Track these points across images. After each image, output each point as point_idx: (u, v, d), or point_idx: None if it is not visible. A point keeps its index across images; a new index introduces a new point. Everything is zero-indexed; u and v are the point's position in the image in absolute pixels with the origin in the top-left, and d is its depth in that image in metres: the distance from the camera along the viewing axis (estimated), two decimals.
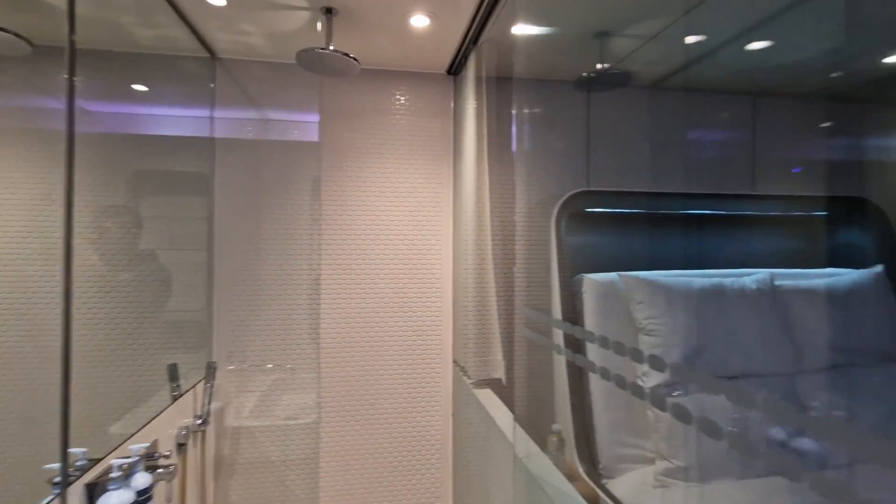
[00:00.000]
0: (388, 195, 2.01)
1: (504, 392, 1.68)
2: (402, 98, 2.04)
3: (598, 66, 1.74)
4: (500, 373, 1.71)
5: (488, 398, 1.62)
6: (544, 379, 1.90)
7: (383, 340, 1.98)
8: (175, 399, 1.57)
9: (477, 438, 1.64)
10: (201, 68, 1.84)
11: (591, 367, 1.63)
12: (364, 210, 1.99)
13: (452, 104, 2.07)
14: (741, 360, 1.57)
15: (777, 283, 1.72)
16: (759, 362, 1.58)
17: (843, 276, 1.80)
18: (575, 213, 1.87)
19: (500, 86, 1.93)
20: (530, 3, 1.52)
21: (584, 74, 1.79)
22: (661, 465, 1.48)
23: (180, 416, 1.59)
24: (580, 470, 1.50)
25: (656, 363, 1.12)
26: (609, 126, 2.08)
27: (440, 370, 2.01)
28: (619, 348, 1.47)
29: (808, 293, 1.71)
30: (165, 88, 1.70)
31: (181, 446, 1.52)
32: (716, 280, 1.67)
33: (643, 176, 2.07)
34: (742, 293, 1.64)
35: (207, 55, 1.85)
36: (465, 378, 1.79)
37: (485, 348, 1.70)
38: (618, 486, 1.49)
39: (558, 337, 1.72)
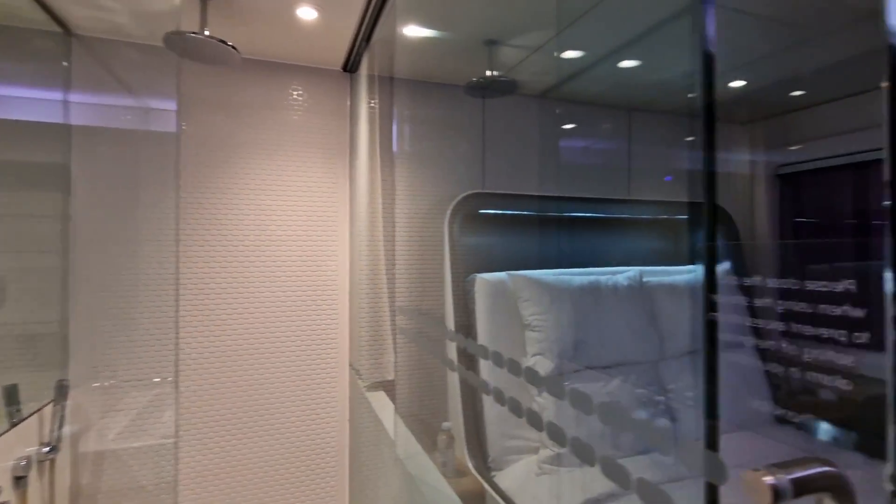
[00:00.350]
0: (281, 194, 1.91)
1: (395, 393, 1.67)
2: (298, 93, 1.96)
3: (488, 72, 1.81)
4: (392, 374, 1.70)
5: (380, 400, 1.60)
6: (436, 377, 1.93)
7: (275, 346, 1.88)
8: (13, 426, 1.35)
9: (370, 442, 1.62)
10: (52, 45, 1.61)
11: (486, 387, 1.68)
12: (253, 209, 1.87)
13: (349, 102, 2.03)
14: (615, 350, 1.71)
15: (645, 279, 1.90)
16: (629, 352, 1.73)
17: (699, 272, 2.04)
18: (469, 214, 1.92)
19: (393, 86, 1.93)
20: (418, 6, 1.53)
21: (474, 79, 1.85)
22: (543, 453, 1.56)
23: (21, 444, 1.38)
24: (470, 465, 1.54)
25: (495, 358, 1.18)
26: (502, 132, 2.17)
27: (336, 374, 1.95)
28: (498, 358, 1.53)
29: (671, 288, 1.91)
30: (5, 64, 1.47)
31: (19, 479, 1.31)
32: (593, 278, 1.80)
33: (533, 180, 2.19)
34: (615, 289, 1.79)
35: (59, 30, 1.63)
36: (359, 381, 1.75)
37: (378, 350, 1.68)
38: (505, 477, 1.55)
39: (449, 334, 1.75)
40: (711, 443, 0.38)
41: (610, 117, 2.39)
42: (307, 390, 1.91)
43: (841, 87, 2.10)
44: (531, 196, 2.01)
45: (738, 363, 1.95)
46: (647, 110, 2.43)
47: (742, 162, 2.63)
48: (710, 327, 0.31)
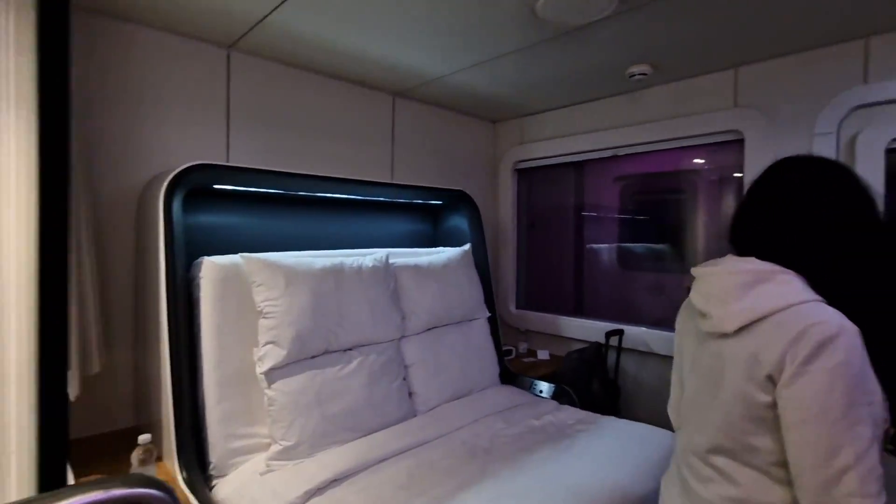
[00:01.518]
0: None
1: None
2: None
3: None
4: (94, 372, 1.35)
5: None
6: (136, 379, 1.64)
7: None
8: None
9: None
10: None
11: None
12: None
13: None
14: (356, 332, 1.69)
15: (391, 260, 1.94)
16: (372, 332, 1.74)
17: (442, 253, 2.19)
18: (195, 189, 1.65)
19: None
20: None
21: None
22: (273, 449, 1.44)
23: None
24: (179, 478, 1.32)
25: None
26: (252, 99, 1.94)
27: None
28: None
29: (415, 269, 1.99)
30: None
31: None
32: (338, 260, 1.75)
33: (283, 155, 2.02)
34: (359, 271, 1.77)
35: None
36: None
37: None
38: (227, 484, 1.38)
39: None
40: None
41: (375, 100, 2.37)
42: None
43: (558, 99, 2.49)
44: (278, 172, 1.83)
45: (478, 338, 2.15)
46: (407, 97, 2.49)
47: (489, 155, 2.94)
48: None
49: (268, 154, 1.99)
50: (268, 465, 1.42)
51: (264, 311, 1.53)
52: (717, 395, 0.81)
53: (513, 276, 2.84)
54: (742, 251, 0.87)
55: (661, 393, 2.17)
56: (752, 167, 1.93)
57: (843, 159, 1.74)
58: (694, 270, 0.92)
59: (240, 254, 1.62)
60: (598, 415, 1.81)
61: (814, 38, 1.73)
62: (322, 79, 2.16)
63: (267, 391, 1.48)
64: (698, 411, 0.87)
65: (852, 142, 1.70)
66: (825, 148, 1.75)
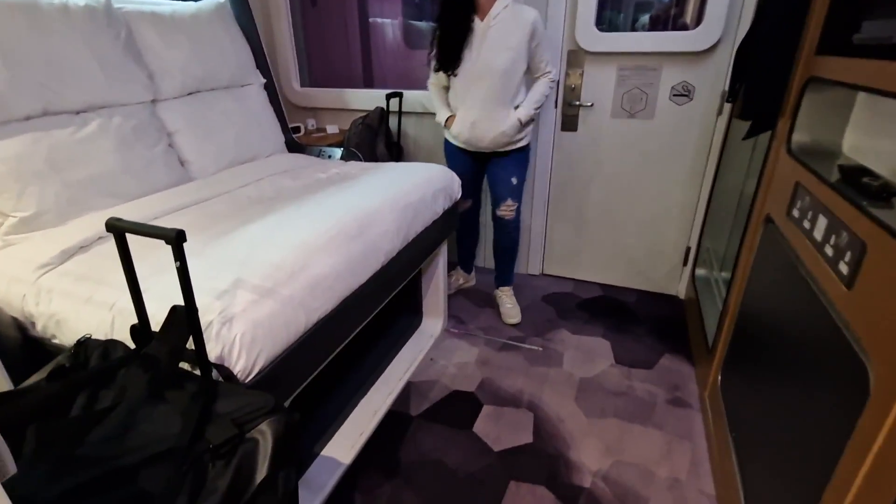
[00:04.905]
0: None
1: None
2: None
3: None
4: None
5: None
6: None
7: None
8: None
9: None
10: None
11: None
12: None
13: None
14: (84, 91, 1.40)
15: (118, 6, 1.55)
16: (108, 92, 1.46)
17: (190, 5, 1.83)
18: None
19: None
20: None
21: None
22: (7, 223, 1.24)
23: None
24: None
25: None
26: None
27: None
28: None
29: (153, 17, 1.64)
30: None
31: None
32: None
33: None
34: (66, 12, 1.38)
35: None
36: None
37: None
38: None
39: None
40: None
41: None
42: None
43: None
44: None
45: (254, 106, 1.99)
46: None
47: None
48: None
49: None
50: (5, 241, 1.22)
51: None
52: None
53: (292, 52, 2.59)
54: None
55: (437, 149, 2.40)
56: None
57: None
58: None
59: None
60: (383, 163, 1.96)
61: None
62: None
63: None
64: None
65: None
66: None
